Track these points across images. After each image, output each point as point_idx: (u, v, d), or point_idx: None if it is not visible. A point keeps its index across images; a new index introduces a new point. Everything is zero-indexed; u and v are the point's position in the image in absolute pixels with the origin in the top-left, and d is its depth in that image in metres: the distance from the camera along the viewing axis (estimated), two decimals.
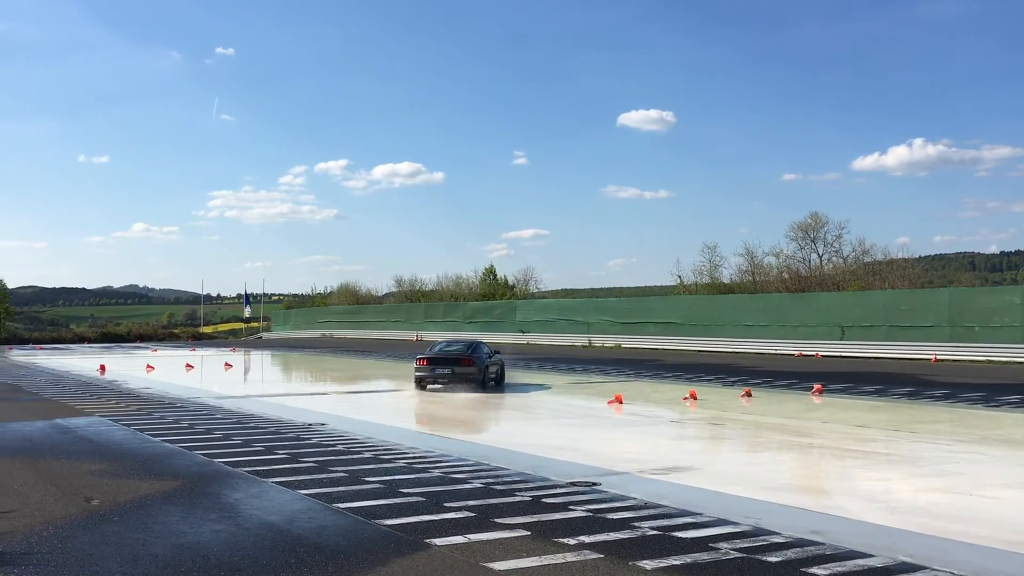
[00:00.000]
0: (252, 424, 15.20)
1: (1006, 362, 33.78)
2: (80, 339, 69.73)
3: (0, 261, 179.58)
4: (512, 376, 27.28)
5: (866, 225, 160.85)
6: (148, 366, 33.35)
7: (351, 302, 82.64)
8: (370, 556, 6.73)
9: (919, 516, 8.57)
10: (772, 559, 6.70)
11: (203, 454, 11.74)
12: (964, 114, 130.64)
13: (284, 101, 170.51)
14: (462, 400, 20.91)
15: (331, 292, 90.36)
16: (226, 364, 36.61)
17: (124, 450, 12.22)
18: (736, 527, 7.75)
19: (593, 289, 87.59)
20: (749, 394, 21.32)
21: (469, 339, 26.52)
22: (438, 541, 7.14)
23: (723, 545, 7.10)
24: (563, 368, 32.09)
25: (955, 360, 35.14)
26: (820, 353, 39.74)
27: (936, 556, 6.86)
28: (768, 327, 43.34)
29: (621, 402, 19.40)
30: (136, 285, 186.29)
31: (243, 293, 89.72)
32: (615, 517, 8.09)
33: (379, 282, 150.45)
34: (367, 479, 9.90)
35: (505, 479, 10.07)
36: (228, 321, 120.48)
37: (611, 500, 8.90)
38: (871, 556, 6.81)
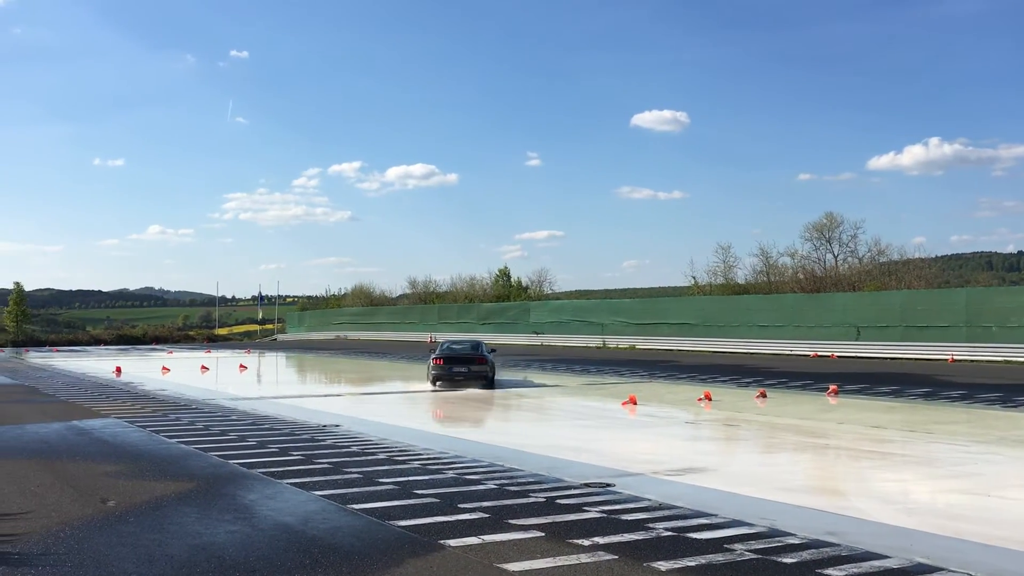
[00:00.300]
0: (267, 425, 15.25)
1: None
2: (96, 341, 70.27)
3: (17, 264, 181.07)
4: (526, 377, 27.84)
5: (882, 225, 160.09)
6: (164, 368, 33.52)
7: (365, 304, 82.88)
8: (384, 557, 6.73)
9: (936, 517, 8.51)
10: (787, 560, 6.67)
11: (218, 455, 11.79)
12: (980, 113, 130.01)
13: (298, 103, 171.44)
14: (476, 401, 20.93)
15: (345, 294, 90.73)
16: (241, 366, 36.76)
17: (140, 451, 12.28)
18: (751, 528, 7.72)
19: (607, 290, 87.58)
20: (764, 395, 21.23)
21: (470, 339, 27.71)
22: (452, 542, 7.14)
23: (738, 546, 7.07)
24: (577, 369, 32.05)
25: (972, 360, 34.89)
26: (835, 354, 39.54)
27: (953, 557, 6.81)
28: (783, 328, 43.16)
29: (635, 403, 19.36)
30: (151, 287, 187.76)
31: (257, 295, 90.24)
32: (630, 518, 8.07)
33: (393, 284, 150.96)
34: (381, 480, 9.92)
35: (519, 480, 10.06)
36: (243, 323, 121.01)
37: (625, 501, 8.88)
38: (887, 557, 6.77)
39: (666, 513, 8.31)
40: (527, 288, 72.90)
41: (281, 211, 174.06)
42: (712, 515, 8.22)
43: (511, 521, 7.87)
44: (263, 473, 10.42)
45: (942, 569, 6.47)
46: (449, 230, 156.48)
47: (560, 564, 6.52)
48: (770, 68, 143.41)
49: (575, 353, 45.19)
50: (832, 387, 22.66)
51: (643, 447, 13.67)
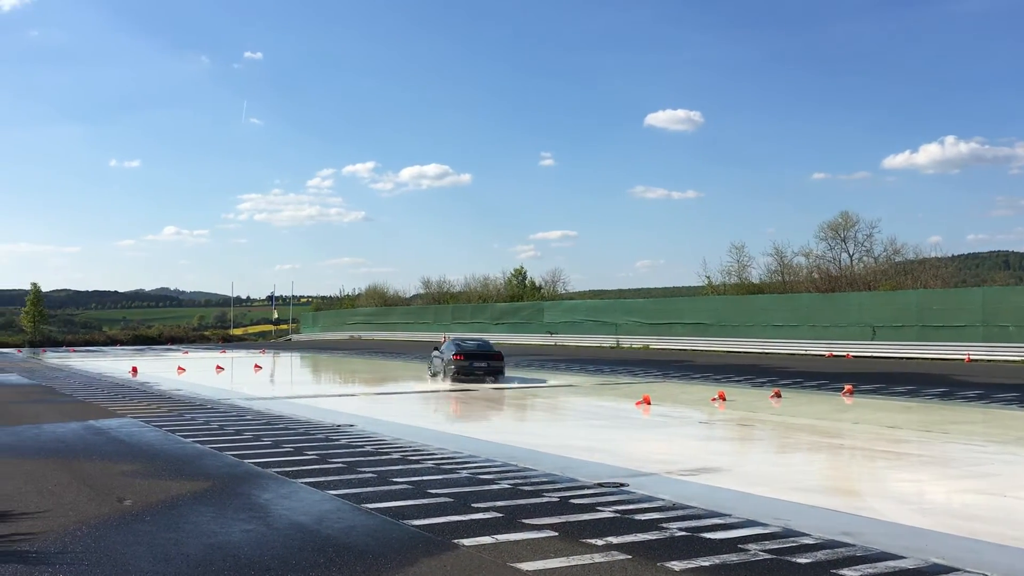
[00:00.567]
0: (281, 425, 15.31)
1: None
2: (112, 341, 70.75)
3: (34, 265, 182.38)
4: (540, 377, 27.95)
5: (897, 224, 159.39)
6: (179, 368, 33.70)
7: (379, 304, 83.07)
8: (398, 556, 6.76)
9: (952, 517, 8.47)
10: (802, 560, 6.65)
11: (233, 455, 11.85)
12: (997, 111, 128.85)
13: (312, 104, 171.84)
14: (490, 401, 20.96)
15: (359, 294, 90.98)
16: (256, 366, 36.92)
17: (156, 451, 12.36)
18: (765, 528, 7.70)
19: (621, 290, 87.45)
20: (779, 395, 21.16)
21: (476, 338, 30.28)
22: (466, 541, 7.15)
23: (752, 546, 7.06)
24: (591, 369, 32.03)
25: (989, 360, 34.66)
26: (851, 353, 39.37)
27: (969, 558, 6.77)
28: (798, 327, 43.01)
29: (649, 403, 19.33)
30: (167, 288, 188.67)
31: (272, 295, 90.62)
32: (643, 518, 8.07)
33: (407, 284, 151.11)
34: (395, 480, 9.95)
35: (533, 480, 10.07)
36: (258, 323, 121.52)
37: (639, 501, 8.88)
38: (903, 558, 6.74)
39: (680, 513, 8.30)
40: (540, 288, 72.91)
41: (295, 212, 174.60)
42: (726, 515, 8.21)
43: (525, 521, 7.88)
44: (278, 472, 10.47)
45: (958, 570, 6.44)
46: (463, 230, 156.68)
47: (573, 564, 6.52)
48: (784, 67, 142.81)
49: (589, 353, 45.16)
50: (847, 387, 22.57)
51: (657, 447, 13.65)
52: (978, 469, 11.58)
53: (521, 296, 70.06)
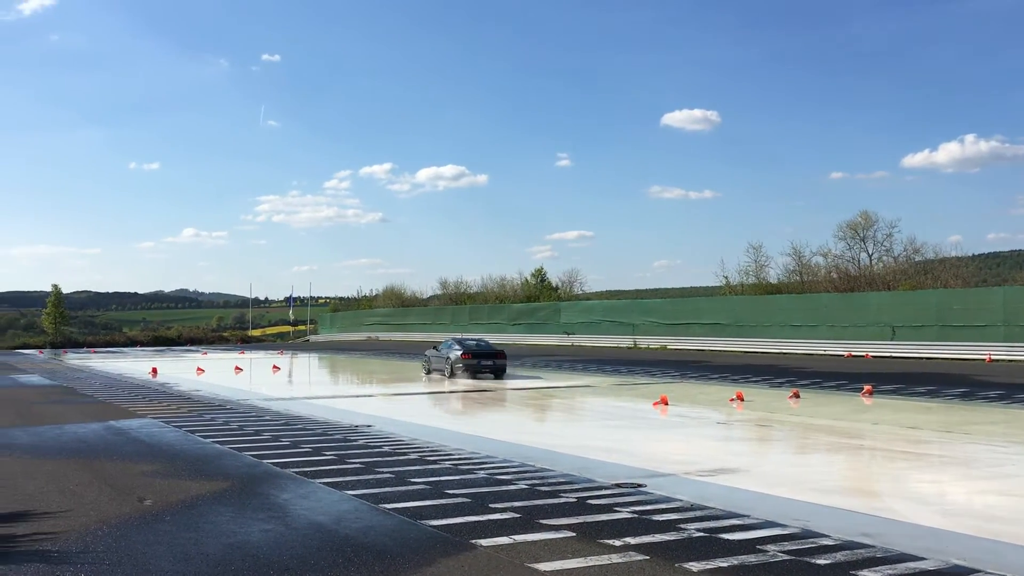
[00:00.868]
0: (300, 426, 15.38)
1: None
2: (132, 343, 71.31)
3: (55, 267, 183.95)
4: (556, 378, 27.89)
5: (917, 224, 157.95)
6: (198, 369, 33.91)
7: (396, 305, 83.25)
8: (416, 556, 6.77)
9: (972, 519, 8.40)
10: (821, 562, 6.62)
11: (252, 455, 11.92)
12: (1017, 109, 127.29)
13: (329, 106, 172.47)
14: (507, 402, 20.97)
15: (376, 295, 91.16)
16: (274, 367, 37.08)
17: (176, 451, 12.44)
18: (784, 529, 7.67)
19: (638, 290, 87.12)
20: (797, 395, 21.06)
21: (477, 337, 32.84)
22: (484, 542, 7.16)
23: (771, 547, 7.03)
24: (608, 369, 31.98)
25: (1010, 360, 34.33)
26: (870, 354, 39.11)
27: (989, 559, 6.72)
28: (816, 328, 42.75)
29: (667, 403, 19.29)
30: (186, 289, 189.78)
31: (290, 296, 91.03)
32: (661, 518, 8.05)
33: (424, 285, 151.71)
34: (413, 480, 9.97)
35: (550, 480, 10.07)
36: (276, 324, 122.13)
37: (657, 501, 8.86)
38: (923, 559, 6.70)
39: (698, 514, 8.28)
40: (557, 288, 72.85)
41: (313, 213, 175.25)
42: (744, 516, 8.18)
43: (542, 521, 7.88)
44: (296, 473, 10.52)
45: (979, 571, 6.39)
46: (479, 231, 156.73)
47: (591, 564, 6.52)
48: (801, 66, 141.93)
49: (606, 353, 45.09)
50: (867, 387, 22.43)
51: (675, 447, 13.62)
52: (1000, 470, 11.48)
53: (538, 296, 70.00)
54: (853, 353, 39.77)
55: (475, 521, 7.89)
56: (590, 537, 7.32)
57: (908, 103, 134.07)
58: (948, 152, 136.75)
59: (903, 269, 51.74)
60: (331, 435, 14.08)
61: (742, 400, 20.02)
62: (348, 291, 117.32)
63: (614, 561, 6.61)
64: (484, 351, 28.31)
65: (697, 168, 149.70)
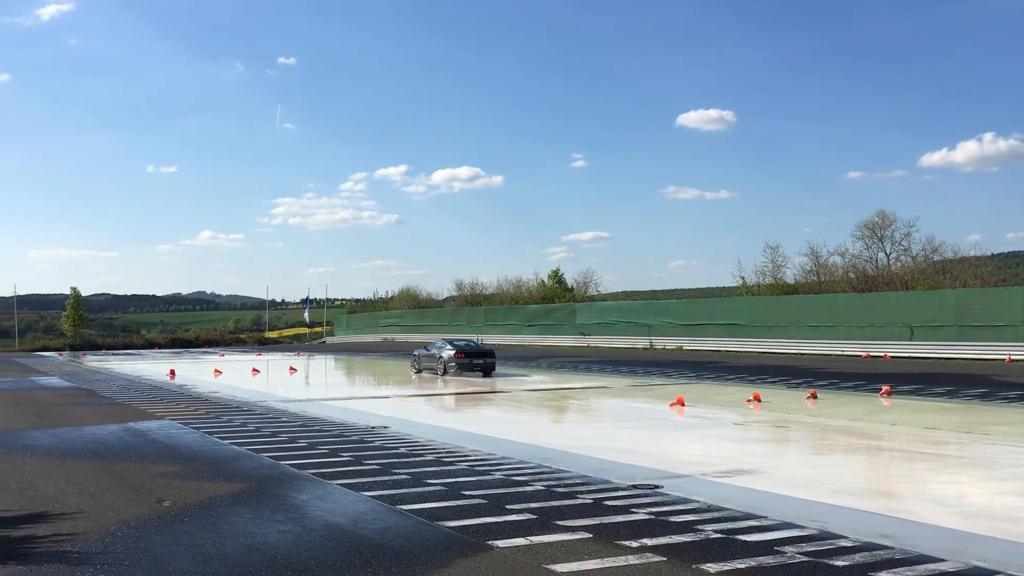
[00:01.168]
0: (317, 427, 15.44)
1: None
2: (151, 345, 71.77)
3: (74, 270, 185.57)
4: (572, 379, 27.91)
5: (935, 223, 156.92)
6: (216, 371, 34.09)
7: (412, 306, 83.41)
8: (433, 557, 6.79)
9: (993, 520, 8.33)
10: (839, 563, 6.58)
11: (270, 456, 11.97)
12: None
13: (344, 108, 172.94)
14: (523, 403, 20.97)
15: (392, 296, 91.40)
16: (291, 368, 37.23)
17: (194, 452, 12.51)
18: (802, 531, 7.63)
19: (654, 291, 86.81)
20: (815, 396, 20.95)
21: (467, 338, 35.29)
22: (500, 543, 7.17)
23: (788, 549, 7.00)
24: (624, 370, 31.92)
25: None
26: (888, 354, 38.87)
27: (1011, 561, 6.67)
28: (834, 328, 42.54)
29: (683, 404, 19.23)
30: (204, 291, 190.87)
31: (306, 298, 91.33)
32: (678, 520, 8.03)
33: (439, 286, 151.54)
34: (429, 481, 9.99)
35: (567, 481, 10.06)
36: (293, 326, 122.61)
37: (674, 503, 8.84)
38: (942, 561, 6.65)
39: (715, 515, 8.26)
40: (572, 289, 72.78)
41: (329, 215, 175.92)
42: (762, 517, 8.15)
43: (559, 522, 7.88)
44: (313, 474, 10.56)
45: (999, 573, 6.34)
46: (495, 232, 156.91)
47: (608, 565, 6.51)
48: (817, 65, 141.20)
49: (622, 354, 45.02)
50: (885, 388, 22.29)
51: (691, 448, 13.58)
52: (1020, 471, 11.39)
53: (554, 298, 69.98)
54: (871, 353, 39.54)
55: (492, 522, 7.90)
56: (607, 538, 7.31)
57: (926, 102, 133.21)
58: (966, 151, 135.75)
59: (921, 269, 51.40)
60: (348, 436, 14.12)
61: (759, 401, 19.94)
62: (364, 293, 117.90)
63: (631, 562, 6.60)
64: (475, 350, 30.15)
65: (713, 168, 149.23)
